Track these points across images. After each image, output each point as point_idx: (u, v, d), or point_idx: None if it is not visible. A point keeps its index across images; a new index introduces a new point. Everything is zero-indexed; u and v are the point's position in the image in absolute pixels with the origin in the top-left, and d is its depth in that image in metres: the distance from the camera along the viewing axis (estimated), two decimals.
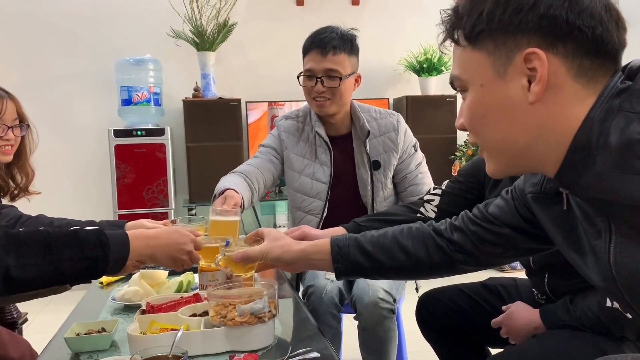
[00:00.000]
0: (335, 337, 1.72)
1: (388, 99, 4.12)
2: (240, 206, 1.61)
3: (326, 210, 1.90)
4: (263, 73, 4.08)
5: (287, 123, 1.98)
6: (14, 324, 1.85)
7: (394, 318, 1.70)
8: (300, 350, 1.11)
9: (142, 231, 1.19)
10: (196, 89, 3.75)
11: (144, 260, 1.17)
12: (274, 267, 1.27)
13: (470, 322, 1.54)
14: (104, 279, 1.77)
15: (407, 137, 1.96)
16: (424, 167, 2.00)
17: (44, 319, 3.08)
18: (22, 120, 1.72)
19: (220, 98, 3.75)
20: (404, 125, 1.96)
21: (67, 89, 3.82)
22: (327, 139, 1.91)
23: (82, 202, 3.86)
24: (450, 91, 4.21)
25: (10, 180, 1.73)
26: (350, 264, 1.16)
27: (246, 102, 3.85)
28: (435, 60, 4.09)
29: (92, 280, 1.79)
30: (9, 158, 1.66)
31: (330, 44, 1.80)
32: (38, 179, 3.92)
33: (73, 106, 3.85)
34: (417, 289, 1.91)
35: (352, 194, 1.92)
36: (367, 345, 1.72)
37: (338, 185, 1.91)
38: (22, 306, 1.99)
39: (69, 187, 3.84)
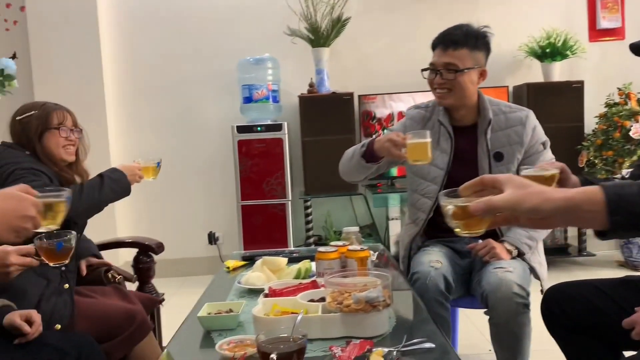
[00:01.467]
0: (444, 327, 1.71)
1: (507, 86, 3.94)
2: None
3: None
4: (375, 66, 4.09)
5: (415, 112, 2.08)
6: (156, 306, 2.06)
7: (529, 313, 1.68)
8: (414, 340, 1.13)
9: None
10: (311, 85, 3.87)
11: None
12: (509, 223, 1.00)
13: (604, 321, 1.43)
14: (230, 263, 1.91)
15: (535, 133, 1.95)
16: None
17: (178, 300, 3.37)
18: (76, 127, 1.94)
19: (333, 92, 3.83)
20: (532, 122, 1.96)
21: (195, 90, 4.13)
22: (449, 128, 1.97)
23: (209, 193, 4.16)
24: (577, 77, 3.92)
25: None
26: (634, 216, 0.88)
27: (359, 96, 3.90)
28: (559, 45, 3.83)
29: (221, 266, 1.94)
30: (73, 157, 1.88)
31: (452, 39, 1.88)
32: (173, 172, 4.32)
33: (200, 106, 4.15)
34: (542, 291, 1.84)
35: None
36: (501, 340, 1.72)
37: (456, 172, 1.94)
38: (160, 287, 2.21)
39: (198, 180, 4.15)
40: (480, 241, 1.83)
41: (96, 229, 2.24)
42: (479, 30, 1.92)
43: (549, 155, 1.97)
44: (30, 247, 1.33)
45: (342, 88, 3.91)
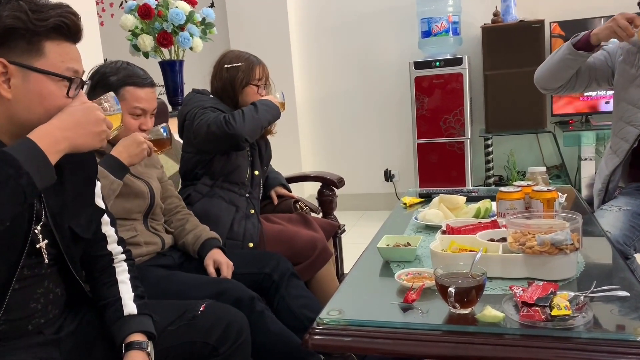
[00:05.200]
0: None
1: None
2: None
3: None
4: None
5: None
6: (336, 232, 2.21)
7: None
8: (605, 287, 1.05)
9: (42, 127, 0.96)
10: (495, 14, 3.60)
11: (66, 151, 0.98)
12: None
13: None
14: (407, 199, 1.94)
15: None
16: None
17: (356, 231, 3.56)
18: None
19: (521, 21, 3.52)
20: None
21: (373, 26, 4.12)
22: None
23: (385, 131, 4.21)
24: None
25: None
26: None
27: (550, 23, 3.52)
28: None
29: (397, 203, 1.99)
30: None
31: None
32: (352, 110, 4.44)
33: (378, 42, 4.14)
34: None
35: None
36: None
37: None
38: (340, 219, 2.35)
39: (375, 118, 4.22)
40: None
41: (284, 164, 2.44)
42: None
43: None
44: (145, 134, 1.55)
45: (531, 15, 3.57)
